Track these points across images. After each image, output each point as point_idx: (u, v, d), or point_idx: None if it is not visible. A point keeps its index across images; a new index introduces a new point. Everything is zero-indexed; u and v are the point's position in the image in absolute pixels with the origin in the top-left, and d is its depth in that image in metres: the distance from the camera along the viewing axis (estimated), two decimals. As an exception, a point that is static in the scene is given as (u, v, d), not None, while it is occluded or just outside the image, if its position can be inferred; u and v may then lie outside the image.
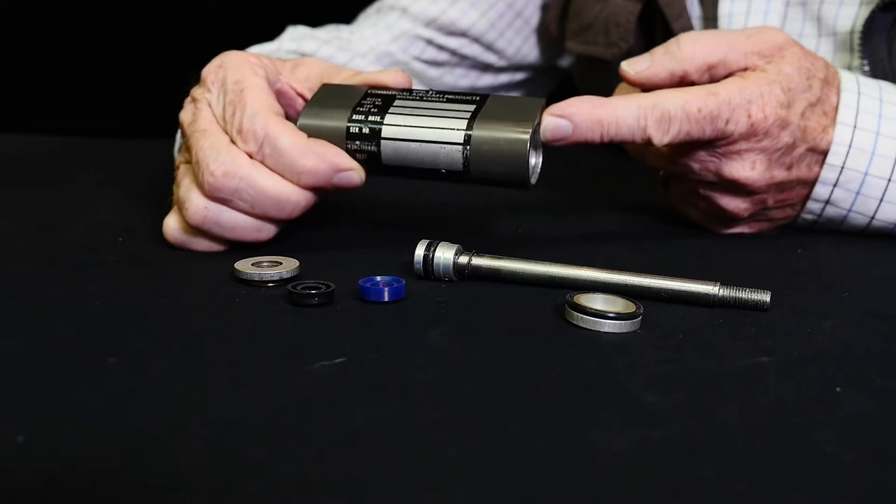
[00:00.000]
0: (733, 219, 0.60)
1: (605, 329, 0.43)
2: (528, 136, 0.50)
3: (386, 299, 0.46)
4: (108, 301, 0.46)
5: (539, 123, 0.52)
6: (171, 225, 0.54)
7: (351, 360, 0.39)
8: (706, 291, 0.46)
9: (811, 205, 0.58)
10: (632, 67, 0.56)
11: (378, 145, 0.52)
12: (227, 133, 0.52)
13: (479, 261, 0.49)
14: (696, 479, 0.31)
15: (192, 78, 0.57)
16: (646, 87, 0.56)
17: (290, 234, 0.56)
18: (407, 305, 0.46)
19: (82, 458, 0.31)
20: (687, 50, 0.55)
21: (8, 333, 0.42)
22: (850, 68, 0.66)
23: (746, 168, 0.55)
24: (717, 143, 0.54)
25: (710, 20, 0.73)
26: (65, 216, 0.63)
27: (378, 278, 0.47)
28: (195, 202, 0.52)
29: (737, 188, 0.57)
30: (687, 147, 0.55)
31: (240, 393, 0.36)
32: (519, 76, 0.87)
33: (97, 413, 0.34)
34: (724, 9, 0.71)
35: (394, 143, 0.51)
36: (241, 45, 0.75)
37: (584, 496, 0.29)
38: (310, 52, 0.77)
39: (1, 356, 0.39)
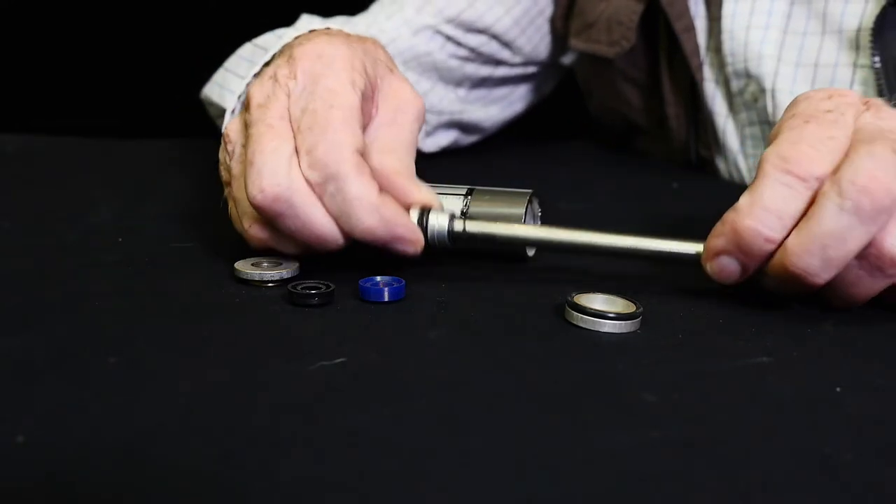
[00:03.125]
0: None
1: (605, 329, 0.43)
2: (528, 193, 0.52)
3: (386, 299, 0.46)
4: (108, 301, 0.46)
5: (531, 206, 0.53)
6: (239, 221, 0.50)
7: (351, 360, 0.39)
8: (690, 251, 0.46)
9: None
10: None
11: None
12: (293, 133, 0.47)
13: (473, 225, 0.48)
14: (696, 479, 0.31)
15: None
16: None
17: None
18: (407, 305, 0.46)
19: (82, 458, 0.31)
20: None
21: (8, 333, 0.42)
22: (855, 65, 0.66)
23: None
24: None
25: (715, 20, 0.73)
26: (65, 216, 0.63)
27: (378, 278, 0.47)
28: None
29: None
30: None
31: (240, 393, 0.36)
32: (530, 69, 0.86)
33: (97, 413, 0.34)
34: (727, 8, 0.71)
35: None
36: (241, 45, 0.75)
37: (583, 496, 0.29)
38: None
39: (1, 356, 0.39)
